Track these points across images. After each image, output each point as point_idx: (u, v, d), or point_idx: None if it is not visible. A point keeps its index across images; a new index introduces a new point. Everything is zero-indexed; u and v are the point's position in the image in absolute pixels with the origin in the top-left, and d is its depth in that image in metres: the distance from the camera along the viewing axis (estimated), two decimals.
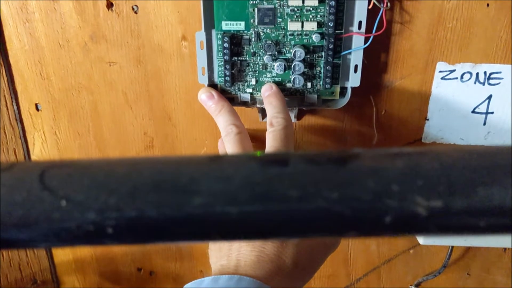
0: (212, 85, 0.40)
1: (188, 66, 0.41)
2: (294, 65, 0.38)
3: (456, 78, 0.40)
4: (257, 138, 0.43)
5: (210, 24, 0.37)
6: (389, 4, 0.37)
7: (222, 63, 0.38)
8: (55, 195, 0.13)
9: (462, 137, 0.43)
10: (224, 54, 0.38)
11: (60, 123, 0.45)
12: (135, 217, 0.13)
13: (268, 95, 0.38)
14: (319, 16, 0.37)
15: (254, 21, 0.37)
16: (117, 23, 0.40)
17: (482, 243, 0.47)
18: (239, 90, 0.40)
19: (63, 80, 0.42)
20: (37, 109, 0.44)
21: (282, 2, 0.36)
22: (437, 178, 0.13)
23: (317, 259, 0.35)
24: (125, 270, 0.52)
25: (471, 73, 0.40)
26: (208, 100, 0.39)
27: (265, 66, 0.39)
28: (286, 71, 0.39)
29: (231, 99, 0.40)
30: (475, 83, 0.40)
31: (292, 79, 0.39)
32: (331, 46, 0.37)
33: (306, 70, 0.39)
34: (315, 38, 0.37)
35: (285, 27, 0.37)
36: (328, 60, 0.37)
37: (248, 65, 0.39)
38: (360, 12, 0.36)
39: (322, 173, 0.13)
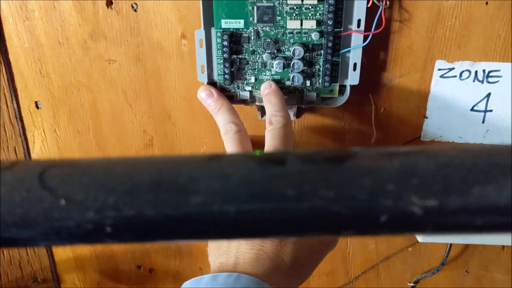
0: (211, 83, 0.40)
1: (187, 64, 0.41)
2: (293, 63, 0.38)
3: (455, 76, 0.40)
4: (256, 136, 0.43)
5: (209, 22, 0.37)
6: (388, 2, 0.37)
7: (222, 61, 0.38)
8: (55, 195, 0.13)
9: (461, 135, 0.43)
10: (223, 52, 0.38)
11: (60, 121, 0.45)
12: (134, 216, 0.13)
13: (267, 93, 0.38)
14: (318, 14, 0.37)
15: (253, 19, 0.37)
16: (116, 21, 0.40)
17: (481, 240, 0.48)
18: (238, 88, 0.40)
19: (62, 78, 0.43)
20: (37, 107, 0.44)
21: (281, 0, 0.36)
22: (432, 177, 0.13)
23: (315, 257, 0.35)
24: (125, 267, 0.52)
25: (470, 71, 0.40)
26: (207, 98, 0.39)
27: (264, 64, 0.39)
28: (285, 69, 0.39)
29: (231, 97, 0.40)
30: (474, 81, 0.40)
31: (291, 77, 0.39)
32: (330, 44, 0.37)
33: (305, 68, 0.39)
34: (314, 36, 0.37)
35: (284, 25, 0.37)
36: (327, 58, 0.37)
37: (247, 63, 0.39)
38: (359, 10, 0.36)
39: (319, 172, 0.14)
